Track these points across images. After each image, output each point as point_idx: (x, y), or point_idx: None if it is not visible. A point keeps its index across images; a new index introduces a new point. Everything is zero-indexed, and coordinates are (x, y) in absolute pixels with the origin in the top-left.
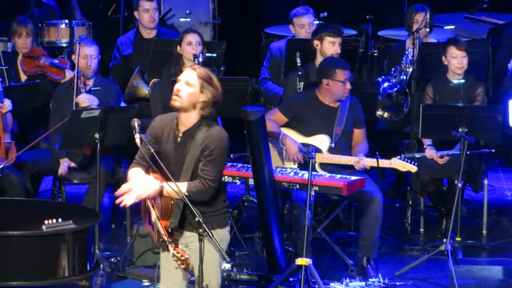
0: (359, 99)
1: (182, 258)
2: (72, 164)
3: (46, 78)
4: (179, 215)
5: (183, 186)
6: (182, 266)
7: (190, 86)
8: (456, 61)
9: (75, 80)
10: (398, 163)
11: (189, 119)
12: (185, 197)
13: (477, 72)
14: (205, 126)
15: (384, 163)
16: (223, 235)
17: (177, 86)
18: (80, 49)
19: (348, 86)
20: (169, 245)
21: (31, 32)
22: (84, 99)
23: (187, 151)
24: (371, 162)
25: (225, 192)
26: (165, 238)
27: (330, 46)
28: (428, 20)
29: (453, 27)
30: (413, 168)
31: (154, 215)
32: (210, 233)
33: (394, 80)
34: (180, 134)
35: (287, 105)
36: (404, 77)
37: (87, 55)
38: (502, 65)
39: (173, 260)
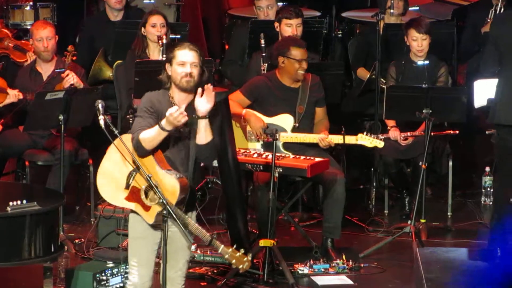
0: (324, 80)
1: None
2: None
3: (9, 60)
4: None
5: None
6: (241, 266)
7: (197, 67)
8: (416, 43)
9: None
10: (365, 139)
11: (188, 95)
12: (149, 179)
13: (441, 53)
14: None
15: (350, 139)
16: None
17: (187, 70)
18: (34, 32)
19: (304, 65)
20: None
21: None
22: (71, 76)
23: (192, 127)
24: (336, 139)
25: None
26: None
27: (287, 28)
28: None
29: (417, 8)
30: (379, 143)
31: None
32: (174, 214)
33: None
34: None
35: (248, 88)
36: None
37: (42, 37)
38: (466, 46)
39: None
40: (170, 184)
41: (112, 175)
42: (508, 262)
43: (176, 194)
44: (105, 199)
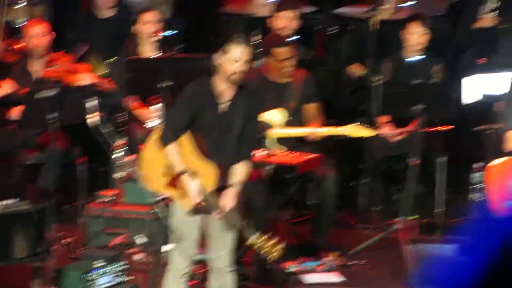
0: (317, 76)
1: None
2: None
3: None
4: None
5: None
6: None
7: (248, 63)
8: (416, 37)
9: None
10: (354, 129)
11: (232, 88)
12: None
13: (435, 49)
14: (243, 92)
15: (339, 131)
16: None
17: (241, 68)
18: (27, 30)
19: (287, 63)
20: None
21: None
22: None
23: (234, 117)
24: (325, 131)
25: None
26: None
27: (280, 20)
28: None
29: (414, 2)
30: (372, 132)
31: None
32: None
33: None
34: (223, 103)
35: None
36: None
37: (35, 34)
38: (460, 41)
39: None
40: (207, 171)
41: (152, 165)
42: (495, 258)
43: (213, 181)
44: (148, 188)
